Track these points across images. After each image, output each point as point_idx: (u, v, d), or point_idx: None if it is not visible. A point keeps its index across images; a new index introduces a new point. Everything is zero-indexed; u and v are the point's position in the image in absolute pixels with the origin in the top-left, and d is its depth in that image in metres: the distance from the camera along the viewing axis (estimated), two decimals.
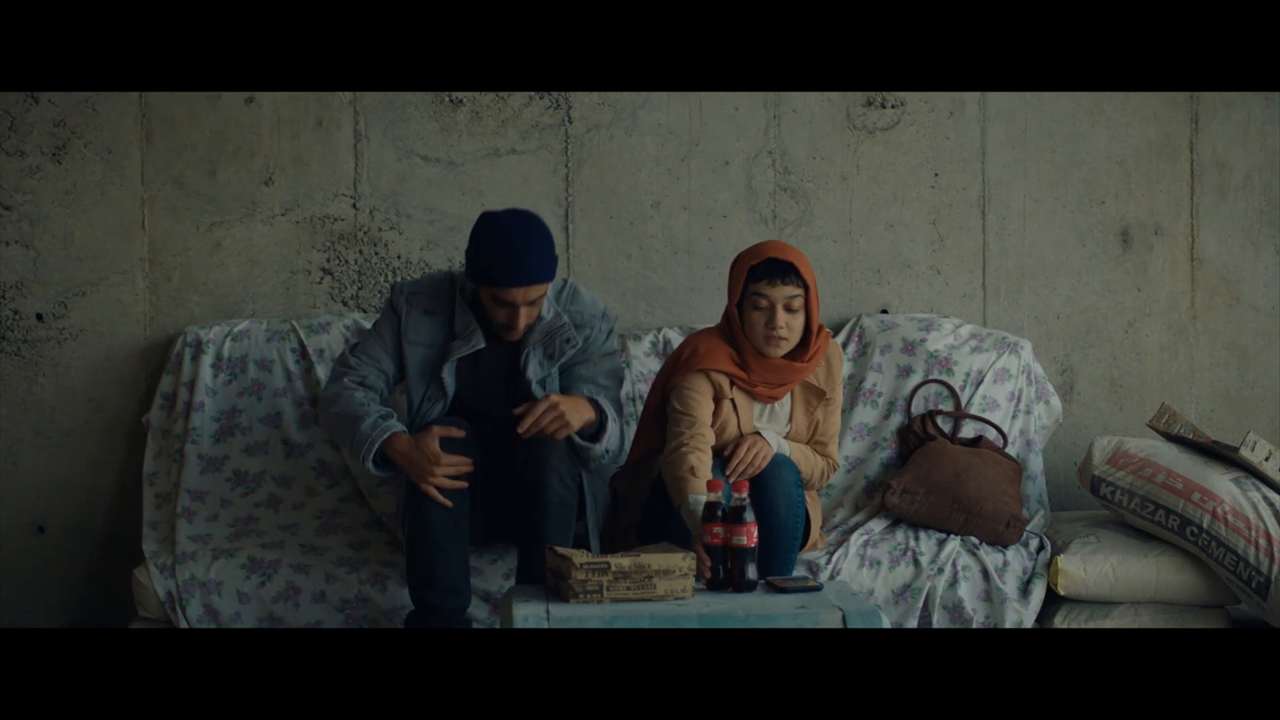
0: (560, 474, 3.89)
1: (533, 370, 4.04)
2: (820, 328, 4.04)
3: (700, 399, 3.95)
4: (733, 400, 3.98)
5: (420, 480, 3.88)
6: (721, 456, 3.96)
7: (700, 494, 3.74)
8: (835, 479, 4.51)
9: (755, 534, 3.57)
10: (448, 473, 3.89)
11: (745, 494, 3.59)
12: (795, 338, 3.97)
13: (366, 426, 3.94)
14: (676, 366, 4.02)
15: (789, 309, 3.92)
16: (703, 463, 3.83)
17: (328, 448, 4.47)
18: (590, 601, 3.48)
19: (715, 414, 3.99)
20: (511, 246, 3.90)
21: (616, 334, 4.25)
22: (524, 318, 3.96)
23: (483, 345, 4.03)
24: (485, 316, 4.04)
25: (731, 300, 4.00)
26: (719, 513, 3.59)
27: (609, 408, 4.01)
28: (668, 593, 3.52)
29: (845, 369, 4.61)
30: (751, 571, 3.57)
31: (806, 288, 3.92)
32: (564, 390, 4.06)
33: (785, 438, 4.08)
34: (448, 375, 4.04)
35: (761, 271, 3.92)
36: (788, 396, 4.08)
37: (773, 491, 3.89)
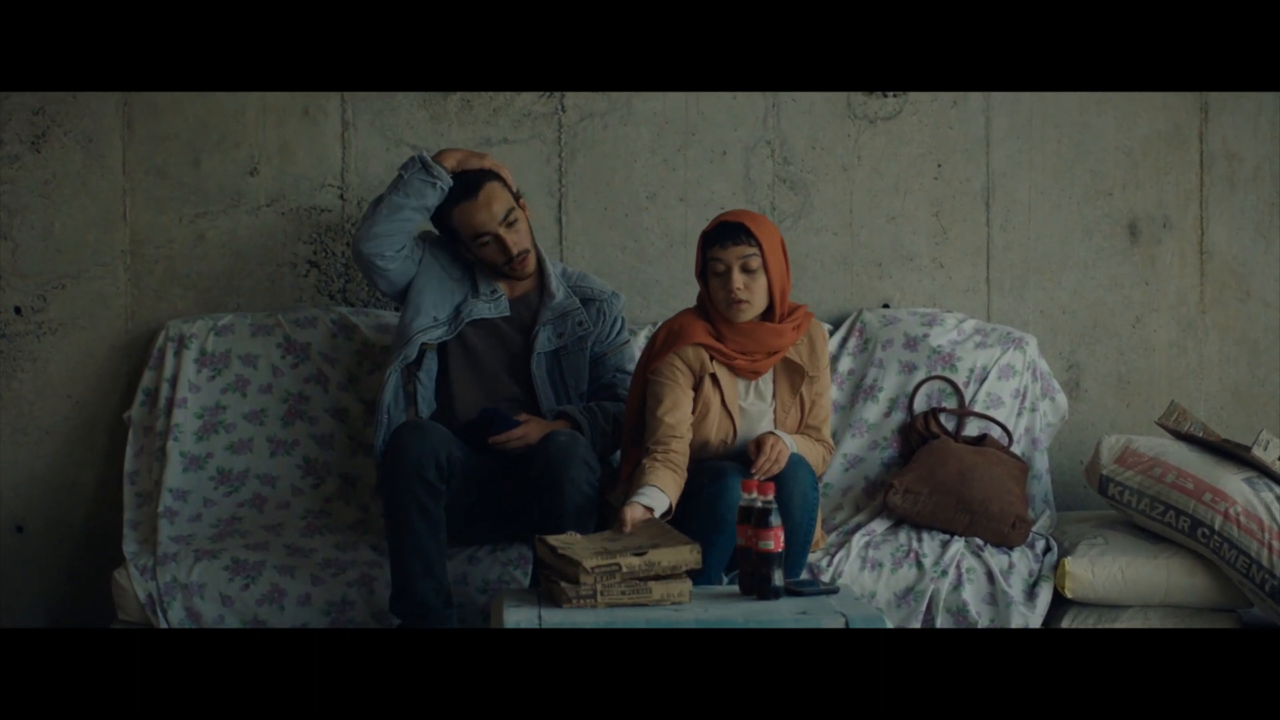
0: (576, 478, 3.84)
1: (541, 343, 4.17)
2: (802, 309, 4.03)
3: (674, 387, 3.91)
4: (714, 375, 3.94)
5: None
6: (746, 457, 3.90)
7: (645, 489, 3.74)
8: (835, 479, 4.45)
9: (782, 538, 3.49)
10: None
11: (771, 497, 3.49)
12: (757, 300, 3.93)
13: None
14: (652, 353, 4.00)
15: (746, 269, 3.90)
16: (656, 474, 3.77)
17: (314, 445, 4.40)
18: (584, 606, 3.38)
19: (697, 394, 3.94)
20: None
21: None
22: (511, 243, 4.14)
23: (508, 313, 4.19)
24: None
25: (696, 272, 4.01)
26: (750, 515, 3.51)
27: (586, 422, 4.10)
28: (664, 597, 3.42)
29: (845, 364, 4.58)
30: (778, 578, 3.48)
31: (761, 247, 3.89)
32: (594, 377, 4.25)
33: (773, 418, 4.01)
34: (465, 320, 4.17)
35: (714, 236, 3.93)
36: (770, 375, 4.02)
37: (789, 493, 3.82)
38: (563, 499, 3.81)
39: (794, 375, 4.02)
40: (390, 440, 3.91)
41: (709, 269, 3.93)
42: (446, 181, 4.12)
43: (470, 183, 4.13)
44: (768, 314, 3.97)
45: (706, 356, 3.93)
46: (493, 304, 4.19)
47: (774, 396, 4.03)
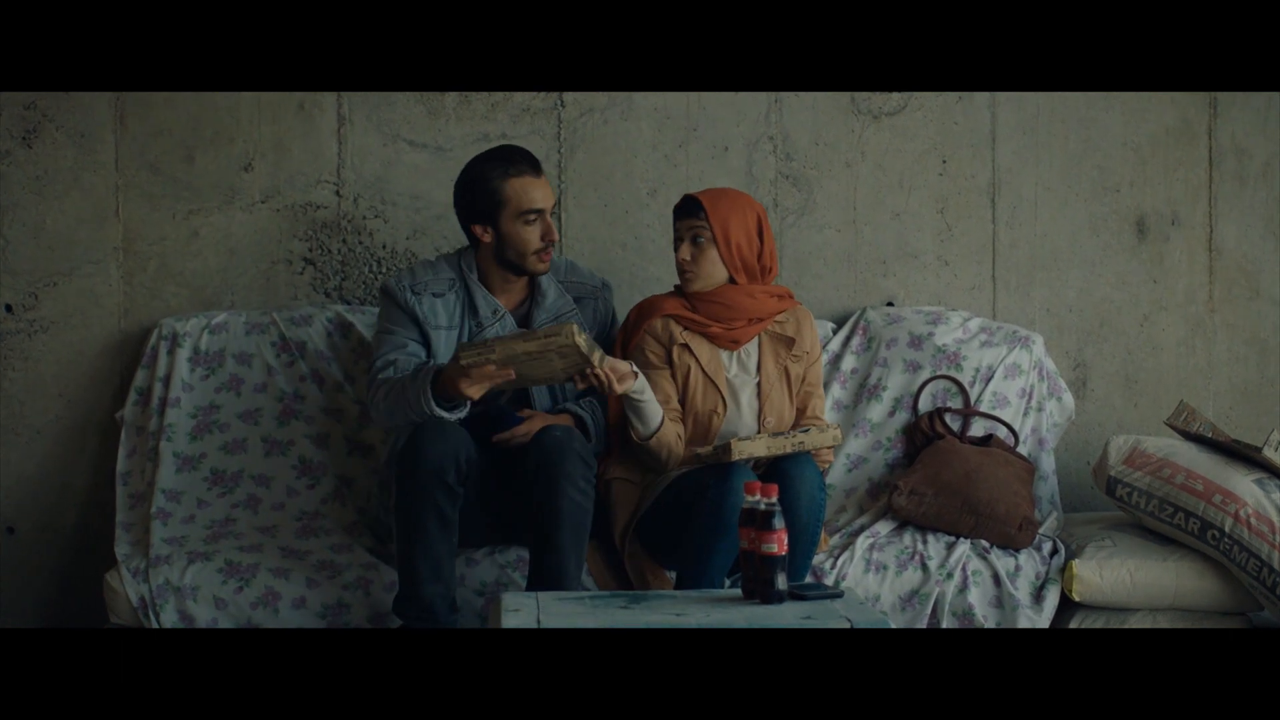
0: (572, 474, 3.78)
1: None
2: (788, 293, 4.09)
3: (650, 371, 4.01)
4: (686, 344, 4.01)
5: (469, 386, 3.74)
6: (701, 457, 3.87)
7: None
8: (839, 479, 4.41)
9: (785, 541, 3.43)
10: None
11: (775, 498, 3.43)
12: (703, 271, 4.03)
13: (413, 382, 3.84)
14: (626, 334, 4.11)
15: (694, 241, 4.02)
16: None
17: (309, 445, 4.34)
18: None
19: (672, 367, 4.01)
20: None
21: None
22: (554, 231, 4.05)
23: (516, 328, 4.06)
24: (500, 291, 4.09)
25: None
26: (753, 518, 3.44)
27: (590, 418, 4.05)
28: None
29: (849, 363, 4.56)
30: (781, 581, 3.42)
31: (710, 221, 3.99)
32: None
33: (757, 389, 4.02)
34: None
35: (676, 209, 4.09)
36: (754, 346, 4.04)
37: (795, 494, 3.78)
38: (559, 496, 3.76)
39: (780, 346, 4.04)
40: (409, 440, 3.82)
41: (675, 238, 4.09)
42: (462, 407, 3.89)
43: (533, 160, 4.03)
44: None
45: (677, 328, 4.02)
46: (499, 326, 4.06)
47: (758, 368, 4.02)
